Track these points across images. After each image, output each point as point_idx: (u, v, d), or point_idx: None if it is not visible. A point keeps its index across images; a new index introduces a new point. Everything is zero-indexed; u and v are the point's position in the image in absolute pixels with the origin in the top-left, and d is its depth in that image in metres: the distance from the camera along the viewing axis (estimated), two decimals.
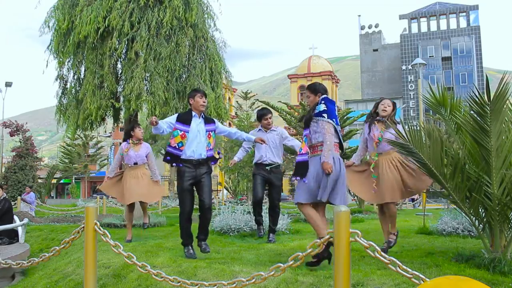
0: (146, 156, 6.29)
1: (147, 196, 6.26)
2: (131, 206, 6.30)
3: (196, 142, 4.69)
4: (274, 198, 5.82)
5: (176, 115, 4.84)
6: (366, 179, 4.70)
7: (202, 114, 4.87)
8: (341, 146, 4.05)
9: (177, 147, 4.65)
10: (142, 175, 6.21)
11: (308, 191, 3.90)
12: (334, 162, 3.86)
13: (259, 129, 5.88)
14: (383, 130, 4.58)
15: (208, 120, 4.89)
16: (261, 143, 5.21)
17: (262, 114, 5.86)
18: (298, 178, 3.96)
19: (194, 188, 4.73)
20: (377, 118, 4.73)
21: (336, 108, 4.04)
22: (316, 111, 3.97)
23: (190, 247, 4.67)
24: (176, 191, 4.73)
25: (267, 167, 5.71)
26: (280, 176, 5.88)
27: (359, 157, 4.91)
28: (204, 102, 4.82)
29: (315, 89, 4.11)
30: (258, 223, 5.97)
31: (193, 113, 4.79)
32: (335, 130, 3.93)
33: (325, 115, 3.88)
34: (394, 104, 4.80)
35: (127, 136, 6.35)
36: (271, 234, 5.79)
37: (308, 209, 3.94)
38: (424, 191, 4.86)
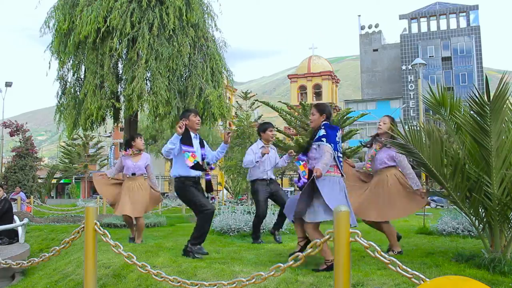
0: (145, 167, 6.18)
1: (139, 211, 6.00)
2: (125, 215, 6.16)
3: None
4: (285, 201, 5.67)
5: (177, 136, 4.62)
6: (355, 192, 4.70)
7: (198, 134, 4.97)
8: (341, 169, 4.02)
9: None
10: (139, 187, 6.06)
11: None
12: (336, 182, 3.89)
13: (262, 146, 5.82)
14: (377, 149, 4.67)
15: (201, 144, 4.98)
16: (266, 153, 5.54)
17: (267, 127, 5.87)
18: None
19: None
20: (377, 138, 4.79)
21: (337, 134, 4.02)
22: (316, 136, 4.02)
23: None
24: (189, 201, 4.89)
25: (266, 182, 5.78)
26: (278, 183, 6.06)
27: (361, 165, 4.98)
28: (198, 120, 4.93)
29: (322, 110, 4.14)
30: (256, 238, 5.80)
31: (192, 134, 4.84)
32: (333, 155, 3.92)
33: (324, 139, 3.93)
34: (391, 119, 4.80)
35: (128, 146, 6.25)
36: (276, 232, 5.81)
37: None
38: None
